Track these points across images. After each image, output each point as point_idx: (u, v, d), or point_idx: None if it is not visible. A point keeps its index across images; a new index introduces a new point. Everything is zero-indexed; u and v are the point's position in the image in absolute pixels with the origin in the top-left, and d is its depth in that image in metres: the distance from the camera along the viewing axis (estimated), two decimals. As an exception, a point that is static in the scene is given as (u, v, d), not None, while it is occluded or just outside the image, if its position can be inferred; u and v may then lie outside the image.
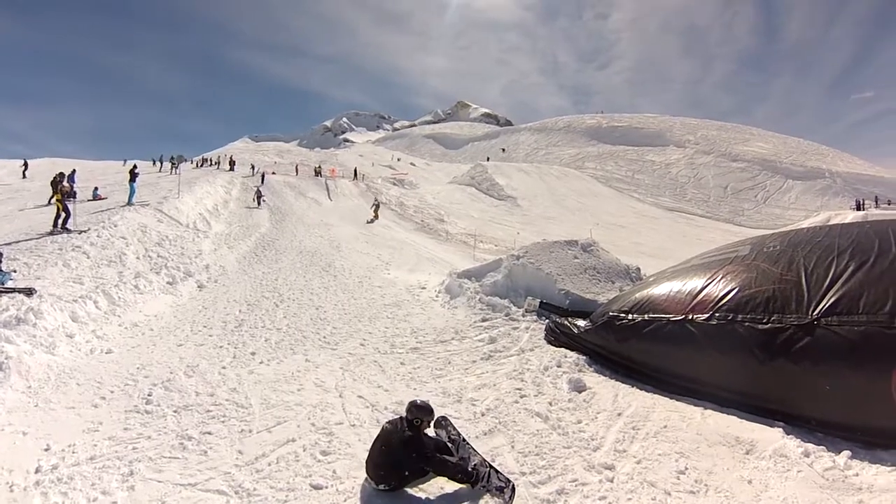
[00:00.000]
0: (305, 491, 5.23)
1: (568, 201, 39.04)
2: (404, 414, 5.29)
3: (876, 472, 5.39)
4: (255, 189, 34.35)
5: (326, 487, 5.28)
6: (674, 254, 11.16)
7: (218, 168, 49.52)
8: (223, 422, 6.68)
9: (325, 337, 10.28)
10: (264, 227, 25.81)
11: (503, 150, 72.92)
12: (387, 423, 5.36)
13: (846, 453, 5.63)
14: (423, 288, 14.08)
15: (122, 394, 7.52)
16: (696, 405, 6.74)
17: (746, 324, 6.84)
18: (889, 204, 48.55)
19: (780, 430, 6.01)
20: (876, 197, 52.03)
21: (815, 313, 6.47)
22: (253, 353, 9.33)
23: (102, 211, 18.72)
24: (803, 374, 6.28)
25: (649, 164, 65.64)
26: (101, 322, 10.48)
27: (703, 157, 66.61)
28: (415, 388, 7.68)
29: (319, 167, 52.77)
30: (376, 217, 31.41)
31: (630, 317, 8.02)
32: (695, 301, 7.49)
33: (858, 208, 44.91)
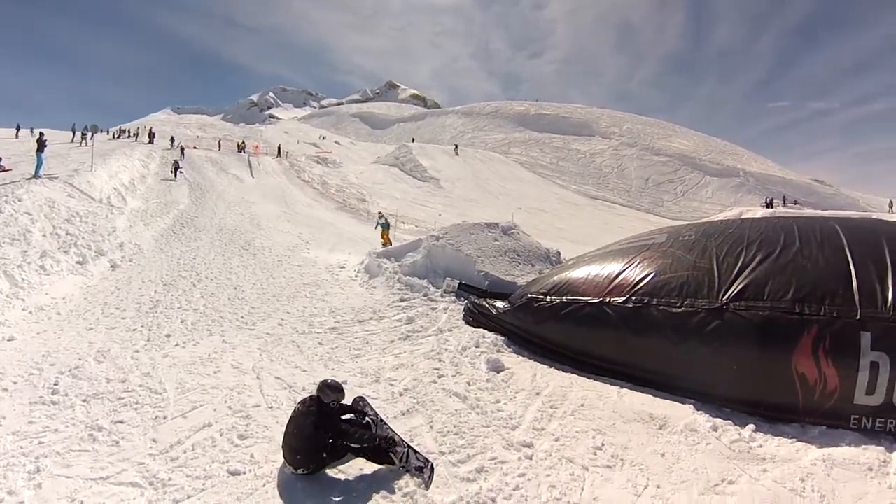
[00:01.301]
0: (223, 478, 5.10)
1: (491, 185, 39.40)
2: (315, 394, 5.22)
3: (778, 444, 5.83)
4: (174, 161, 32.78)
5: (244, 473, 5.17)
6: (595, 240, 11.51)
7: (136, 140, 46.68)
8: (136, 409, 6.41)
9: (242, 317, 10.07)
10: (183, 203, 24.84)
11: (413, 139, 72.25)
12: (298, 403, 5.27)
13: (751, 427, 6.05)
14: (343, 267, 13.95)
15: (26, 384, 7.11)
16: (612, 384, 6.98)
17: (661, 307, 7.17)
18: (795, 203, 52.05)
19: (691, 406, 6.36)
20: (784, 196, 55.41)
21: (724, 298, 6.88)
22: (168, 336, 9.02)
23: (5, 184, 17.31)
24: (712, 354, 6.68)
25: (574, 153, 66.99)
26: (1, 307, 9.84)
27: (628, 149, 68.63)
28: (333, 369, 7.62)
29: (243, 143, 50.82)
30: None
31: (548, 299, 8.21)
32: (612, 285, 7.76)
33: (768, 206, 47.66)
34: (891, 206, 47.73)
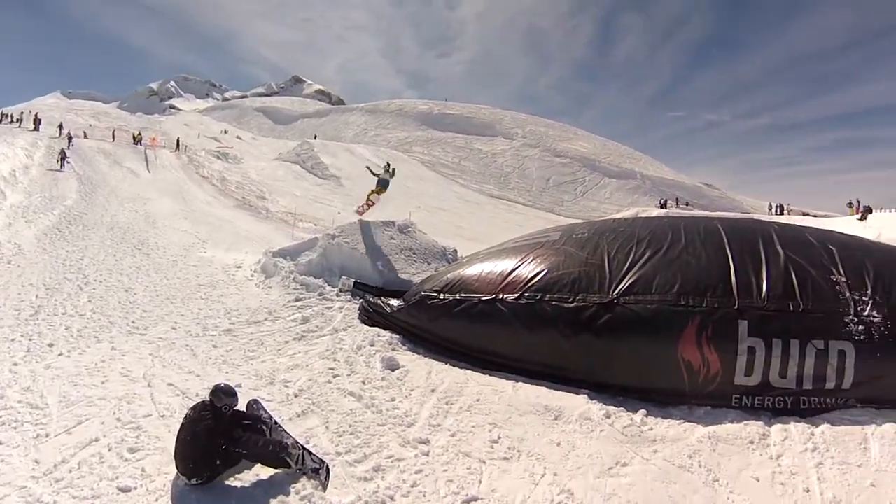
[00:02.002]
0: (112, 495, 4.79)
1: (392, 184, 39.36)
2: (208, 399, 5.06)
3: (667, 426, 6.22)
4: (60, 150, 30.58)
5: (135, 489, 4.88)
6: (494, 238, 11.77)
7: (20, 126, 43.10)
8: (15, 428, 5.87)
9: (133, 322, 9.52)
10: (71, 198, 23.12)
11: (315, 136, 70.79)
12: (189, 409, 5.10)
13: (642, 412, 6.42)
14: (239, 267, 13.49)
15: None
16: (507, 379, 7.15)
17: (553, 303, 7.45)
18: (687, 205, 55.38)
19: (585, 396, 6.65)
20: (677, 198, 58.64)
21: (615, 293, 7.26)
22: (51, 345, 8.34)
23: None
24: (604, 346, 7.08)
25: (476, 153, 67.80)
26: None
27: (530, 150, 70.13)
28: (227, 372, 7.38)
29: (139, 134, 47.86)
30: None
31: (442, 296, 8.34)
32: (505, 282, 7.97)
33: (662, 206, 50.34)
34: (770, 208, 51.31)
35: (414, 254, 11.45)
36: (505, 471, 5.36)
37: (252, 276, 12.41)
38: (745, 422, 6.27)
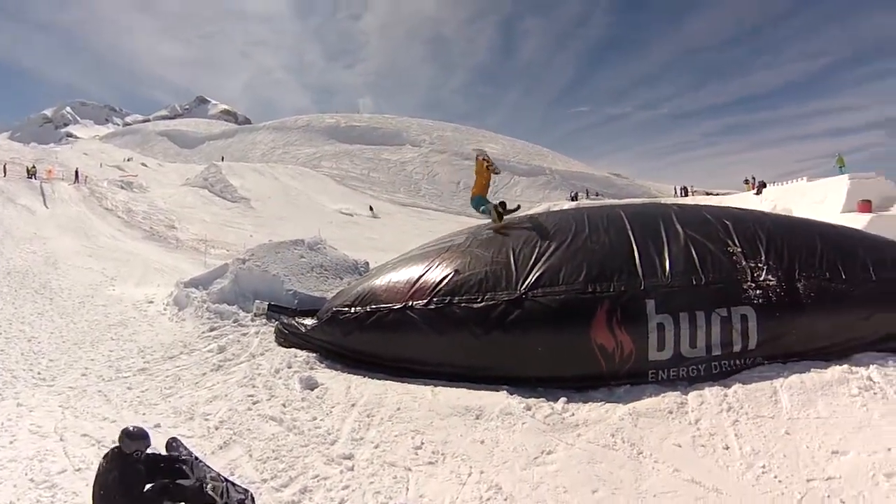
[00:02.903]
0: None
1: (301, 200, 38.53)
2: (117, 445, 4.72)
3: (589, 409, 6.42)
4: None
5: None
6: (407, 247, 11.71)
7: None
8: None
9: (39, 373, 8.79)
10: (-43, 245, 21.19)
11: (222, 158, 68.55)
12: (102, 459, 4.73)
13: (563, 399, 6.58)
14: (151, 302, 12.92)
15: None
16: (426, 384, 7.17)
17: (463, 304, 7.53)
18: (597, 195, 57.18)
19: (505, 392, 6.76)
20: (587, 189, 60.38)
21: (522, 288, 7.40)
22: (-52, 411, 7.55)
23: None
24: (517, 341, 7.21)
25: (385, 163, 67.61)
26: None
27: (438, 155, 70.47)
28: (143, 413, 6.99)
29: (34, 167, 44.33)
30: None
31: (353, 310, 8.24)
32: (413, 289, 7.98)
33: (573, 199, 51.57)
34: (675, 191, 53.57)
35: (326, 270, 11.34)
36: (431, 475, 5.40)
37: (165, 309, 11.92)
38: (663, 394, 6.55)
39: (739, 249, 7.61)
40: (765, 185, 30.34)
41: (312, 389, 7.33)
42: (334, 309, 8.54)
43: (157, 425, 6.19)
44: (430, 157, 69.39)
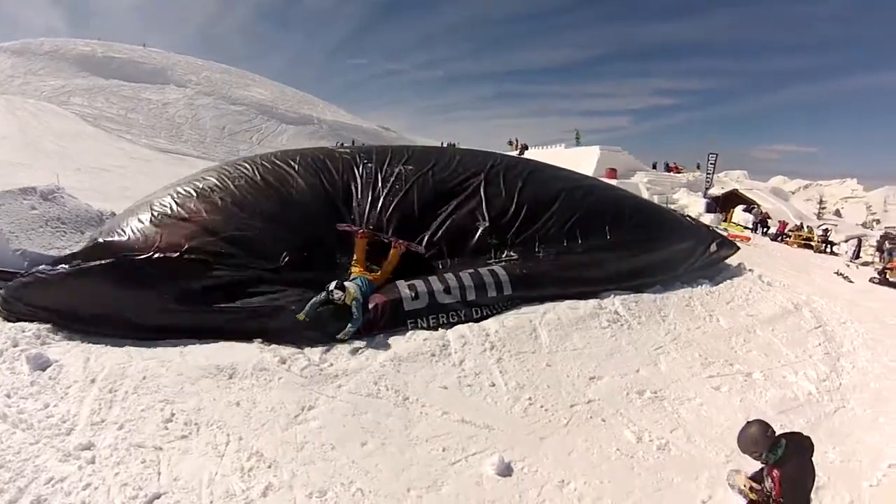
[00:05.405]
0: None
1: (44, 143, 32.36)
2: None
3: (347, 359, 6.11)
4: None
5: None
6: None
7: None
8: None
9: None
10: None
11: None
12: None
13: (320, 349, 6.21)
14: None
15: None
16: (174, 346, 6.21)
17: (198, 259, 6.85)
18: (363, 145, 56.61)
19: (257, 345, 6.20)
20: (353, 140, 59.26)
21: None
22: None
23: None
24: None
25: (146, 103, 59.46)
26: None
27: (204, 98, 63.75)
28: None
29: None
30: None
31: (86, 265, 6.80)
32: (156, 240, 6.98)
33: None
34: (441, 145, 55.75)
35: (64, 224, 9.26)
36: (185, 451, 4.67)
37: None
38: (424, 338, 6.50)
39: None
40: (527, 148, 33.14)
41: (44, 370, 5.73)
42: (64, 267, 6.89)
43: None
44: (196, 100, 63.03)
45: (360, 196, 8.20)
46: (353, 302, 6.56)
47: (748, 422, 3.93)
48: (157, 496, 4.21)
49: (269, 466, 4.58)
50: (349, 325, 6.49)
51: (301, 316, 6.32)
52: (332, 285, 6.50)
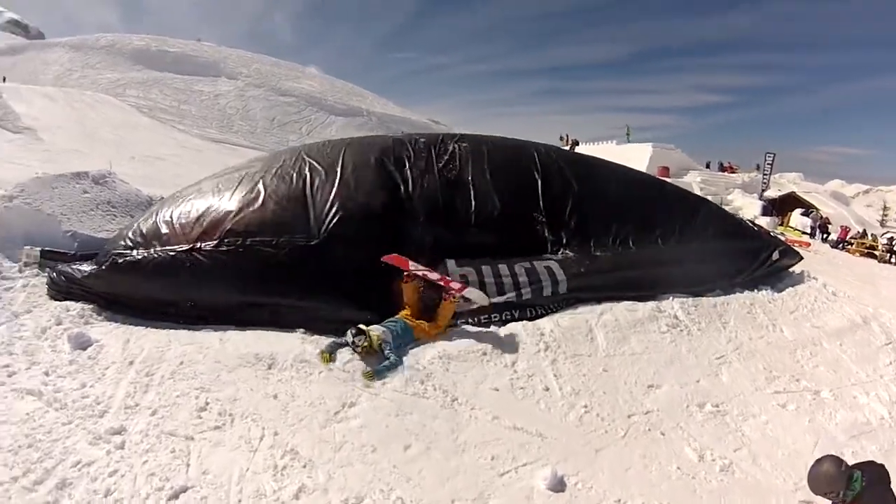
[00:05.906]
0: None
1: (101, 133, 33.15)
2: None
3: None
4: None
5: None
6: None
7: None
8: None
9: None
10: None
11: (4, 79, 56.50)
12: None
13: None
14: None
15: None
16: (214, 332, 5.99)
17: (256, 247, 6.54)
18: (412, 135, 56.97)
19: (300, 335, 5.93)
20: (402, 132, 59.52)
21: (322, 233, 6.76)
22: None
23: None
24: (313, 284, 6.47)
25: (198, 95, 60.90)
26: None
27: (254, 90, 64.92)
28: None
29: None
30: None
31: (135, 253, 6.71)
32: (203, 227, 6.78)
33: None
34: None
35: (114, 207, 9.28)
36: (217, 443, 4.39)
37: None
38: (475, 336, 6.14)
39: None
40: (577, 143, 32.58)
41: (85, 349, 5.62)
42: (114, 252, 6.84)
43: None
44: (246, 91, 64.21)
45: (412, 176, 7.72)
46: (383, 344, 5.69)
47: (818, 459, 3.59)
48: (184, 489, 3.94)
49: (304, 466, 4.28)
50: (381, 365, 5.55)
51: (325, 354, 5.61)
52: (352, 331, 5.71)
